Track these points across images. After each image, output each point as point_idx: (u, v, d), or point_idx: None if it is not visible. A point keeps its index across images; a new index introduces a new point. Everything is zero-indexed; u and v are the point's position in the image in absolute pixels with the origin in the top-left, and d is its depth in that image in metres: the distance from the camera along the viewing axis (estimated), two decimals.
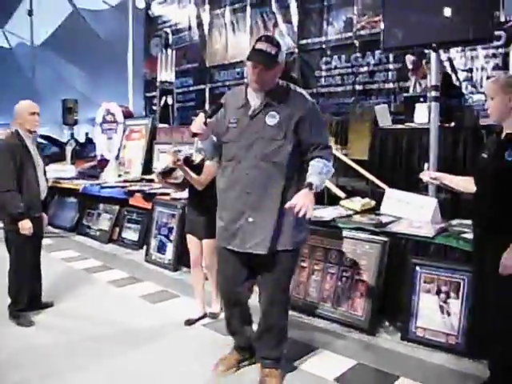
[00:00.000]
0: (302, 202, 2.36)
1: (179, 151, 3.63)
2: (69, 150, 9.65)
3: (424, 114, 5.13)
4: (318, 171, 2.54)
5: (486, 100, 2.57)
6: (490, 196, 2.44)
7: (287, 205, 2.40)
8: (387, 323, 3.62)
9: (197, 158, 3.65)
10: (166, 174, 3.65)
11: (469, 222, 3.04)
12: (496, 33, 5.82)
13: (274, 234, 2.60)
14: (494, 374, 2.54)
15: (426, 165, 3.32)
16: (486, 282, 2.46)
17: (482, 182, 2.55)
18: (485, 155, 2.56)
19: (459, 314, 3.19)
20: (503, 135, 2.49)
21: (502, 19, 5.85)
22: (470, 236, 3.13)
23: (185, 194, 5.21)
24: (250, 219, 2.59)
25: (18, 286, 3.77)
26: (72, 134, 10.57)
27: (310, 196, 2.42)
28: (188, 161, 3.58)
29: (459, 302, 3.22)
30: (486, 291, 2.48)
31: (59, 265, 5.38)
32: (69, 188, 7.47)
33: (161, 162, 7.55)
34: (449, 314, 3.24)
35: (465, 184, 2.78)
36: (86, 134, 15.68)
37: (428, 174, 3.05)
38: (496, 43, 6.16)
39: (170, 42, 10.61)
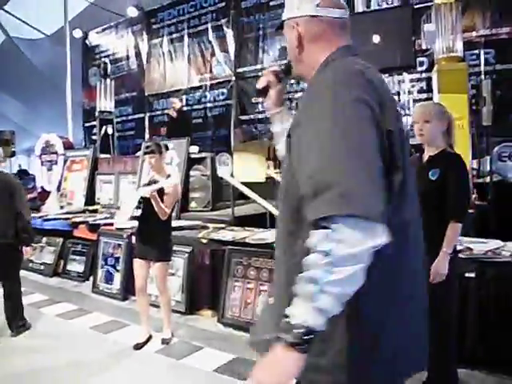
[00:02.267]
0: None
1: (155, 182, 3.84)
2: None
3: None
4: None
5: (415, 122, 2.77)
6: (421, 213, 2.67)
7: None
8: None
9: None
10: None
11: None
12: (420, 59, 6.30)
13: None
14: (431, 374, 2.75)
15: None
16: None
17: None
18: None
19: None
20: (426, 157, 2.75)
21: (424, 47, 6.32)
22: None
23: (129, 223, 5.31)
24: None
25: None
26: None
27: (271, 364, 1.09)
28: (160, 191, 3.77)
29: None
30: None
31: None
32: None
33: (103, 192, 7.55)
34: None
35: None
36: (19, 165, 15.28)
37: None
38: (420, 68, 6.62)
39: (109, 71, 10.63)
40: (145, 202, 3.81)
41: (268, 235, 4.38)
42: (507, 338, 3.01)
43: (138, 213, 3.83)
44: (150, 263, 3.90)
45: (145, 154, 4.16)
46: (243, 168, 6.53)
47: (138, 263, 3.92)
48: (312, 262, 1.05)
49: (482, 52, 6.21)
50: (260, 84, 1.63)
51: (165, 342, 3.93)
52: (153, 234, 3.84)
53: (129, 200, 3.99)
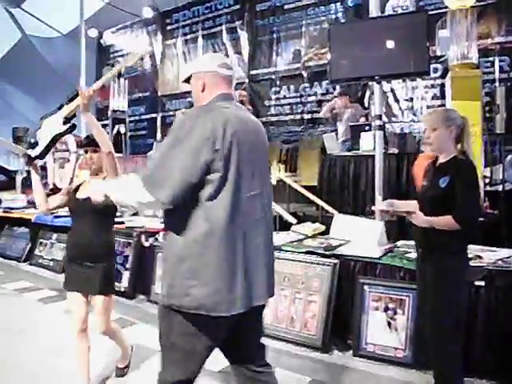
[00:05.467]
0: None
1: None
2: (19, 178, 9.52)
3: (369, 142, 5.43)
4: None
5: (425, 130, 2.78)
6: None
7: None
8: (339, 341, 3.79)
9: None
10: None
11: (413, 242, 3.25)
12: (434, 66, 6.27)
13: None
14: (437, 382, 2.73)
15: (379, 196, 3.47)
16: (426, 296, 2.67)
17: (422, 207, 2.77)
18: (425, 183, 2.80)
19: (405, 329, 3.41)
20: (437, 164, 2.73)
21: (438, 53, 6.28)
22: (413, 256, 3.36)
23: (138, 221, 5.26)
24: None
25: None
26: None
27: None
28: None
29: (405, 317, 3.44)
30: (425, 305, 2.69)
31: (12, 296, 5.30)
32: (19, 218, 7.36)
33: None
34: (396, 329, 3.45)
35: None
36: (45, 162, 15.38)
37: (387, 204, 2.95)
38: (433, 75, 6.59)
39: (123, 70, 10.68)
40: (81, 208, 3.05)
41: (277, 238, 4.38)
42: None
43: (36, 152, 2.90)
44: (89, 296, 3.05)
45: (86, 145, 3.24)
46: None
47: (73, 298, 3.01)
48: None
49: (496, 59, 6.17)
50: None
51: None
52: (92, 256, 2.97)
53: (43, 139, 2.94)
